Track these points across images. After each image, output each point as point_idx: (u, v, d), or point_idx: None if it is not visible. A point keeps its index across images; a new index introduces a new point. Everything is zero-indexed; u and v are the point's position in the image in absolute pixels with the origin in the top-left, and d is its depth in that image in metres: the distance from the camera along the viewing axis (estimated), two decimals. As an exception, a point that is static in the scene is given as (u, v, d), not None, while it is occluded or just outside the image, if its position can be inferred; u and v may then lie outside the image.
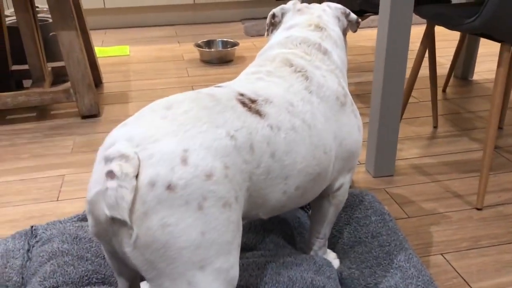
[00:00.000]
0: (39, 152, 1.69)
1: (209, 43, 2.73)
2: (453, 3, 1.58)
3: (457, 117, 1.92)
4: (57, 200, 1.42)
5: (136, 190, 0.66)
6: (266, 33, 1.12)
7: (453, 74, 2.33)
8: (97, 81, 2.28)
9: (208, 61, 2.61)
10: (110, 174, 0.65)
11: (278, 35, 1.05)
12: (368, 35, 3.05)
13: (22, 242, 1.10)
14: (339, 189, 1.00)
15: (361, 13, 1.70)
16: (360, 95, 2.14)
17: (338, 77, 0.99)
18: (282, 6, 1.10)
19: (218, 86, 0.86)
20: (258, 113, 0.81)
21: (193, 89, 2.23)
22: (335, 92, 0.96)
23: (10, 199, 1.42)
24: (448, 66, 2.48)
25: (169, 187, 0.66)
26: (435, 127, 1.84)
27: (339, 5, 1.10)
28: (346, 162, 0.98)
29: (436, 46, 2.81)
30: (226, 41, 2.73)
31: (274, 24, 1.10)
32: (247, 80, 0.90)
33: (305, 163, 0.85)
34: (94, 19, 3.30)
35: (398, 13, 1.31)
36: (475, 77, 2.33)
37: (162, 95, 2.17)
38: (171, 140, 0.69)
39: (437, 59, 2.61)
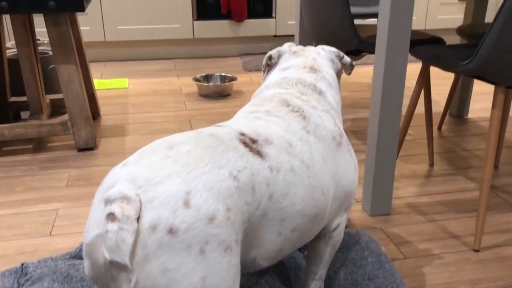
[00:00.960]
0: (33, 185, 1.68)
1: (207, 77, 2.76)
2: (448, 44, 1.61)
3: (453, 156, 1.92)
4: (50, 235, 1.40)
5: (137, 233, 0.65)
6: (262, 74, 1.14)
7: (448, 112, 2.36)
8: (95, 114, 2.29)
9: (206, 95, 2.64)
10: (111, 216, 0.64)
11: (274, 75, 1.07)
12: (365, 72, 3.09)
13: (12, 280, 1.08)
14: (336, 229, 0.99)
15: (358, 53, 1.73)
16: (356, 131, 2.16)
17: (333, 117, 1.00)
18: (279, 48, 1.13)
19: (219, 126, 0.87)
20: (259, 154, 0.81)
21: (190, 122, 2.24)
22: (332, 132, 0.96)
23: (2, 234, 1.40)
24: (443, 104, 2.51)
25: (171, 231, 0.65)
26: (431, 165, 1.84)
27: (333, 48, 1.13)
28: (343, 202, 0.98)
29: (432, 84, 2.85)
30: (224, 76, 2.76)
31: (270, 66, 1.13)
32: (246, 119, 0.91)
33: (303, 205, 0.85)
34: (95, 52, 3.34)
35: (394, 54, 1.34)
36: (470, 115, 2.35)
37: (159, 128, 2.17)
38: (173, 182, 0.68)
39: (433, 96, 2.64)
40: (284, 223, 0.83)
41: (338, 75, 1.13)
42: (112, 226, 0.63)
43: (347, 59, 1.13)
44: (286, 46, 1.13)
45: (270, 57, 1.13)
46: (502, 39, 1.20)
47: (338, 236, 1.01)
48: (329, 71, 1.07)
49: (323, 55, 1.10)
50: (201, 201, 0.68)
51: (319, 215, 0.89)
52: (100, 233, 0.66)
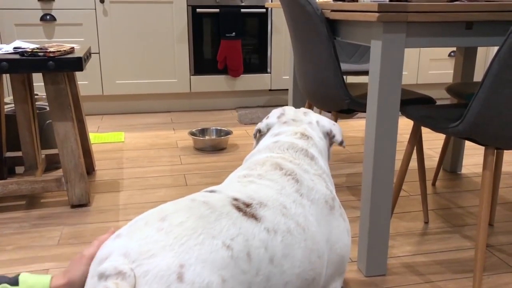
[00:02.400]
0: (24, 244, 1.65)
1: (203, 131, 2.79)
2: (438, 104, 1.65)
3: (447, 213, 1.92)
4: (38, 298, 1.36)
5: None
6: (254, 145, 1.16)
7: (442, 167, 2.37)
8: (90, 169, 2.29)
9: (202, 149, 2.65)
10: None
11: (266, 140, 1.09)
12: (358, 126, 3.13)
13: None
14: (331, 296, 0.98)
15: (350, 111, 1.77)
16: (350, 186, 2.16)
17: (325, 181, 1.01)
18: (267, 122, 1.15)
19: (212, 191, 0.87)
20: (253, 216, 0.80)
21: (185, 177, 2.24)
22: (324, 195, 0.97)
23: (-11, 296, 1.37)
24: (437, 158, 2.53)
25: None
26: (426, 222, 1.83)
27: (327, 124, 1.14)
28: (337, 267, 0.97)
29: (424, 138, 2.88)
30: (220, 129, 2.79)
31: (261, 137, 1.15)
32: (239, 184, 0.91)
33: (302, 268, 0.84)
34: (92, 105, 3.38)
35: (385, 113, 1.36)
36: (464, 170, 2.37)
37: (154, 183, 2.17)
38: (166, 255, 0.68)
39: (426, 151, 2.66)
40: (287, 287, 0.81)
41: (329, 147, 1.15)
42: None
43: (337, 138, 1.13)
44: (275, 117, 1.14)
45: (259, 131, 1.15)
46: (489, 102, 1.23)
47: (333, 302, 0.99)
48: (320, 141, 1.09)
49: (315, 127, 1.12)
50: (195, 275, 0.67)
51: (316, 279, 0.88)
52: None
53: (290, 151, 1.03)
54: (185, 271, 0.67)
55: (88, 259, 0.81)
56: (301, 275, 0.83)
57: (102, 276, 0.65)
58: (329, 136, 1.13)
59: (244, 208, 0.81)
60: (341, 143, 1.13)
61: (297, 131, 1.08)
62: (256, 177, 0.94)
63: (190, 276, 0.67)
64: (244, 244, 0.76)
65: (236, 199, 0.83)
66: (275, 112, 1.17)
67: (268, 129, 1.14)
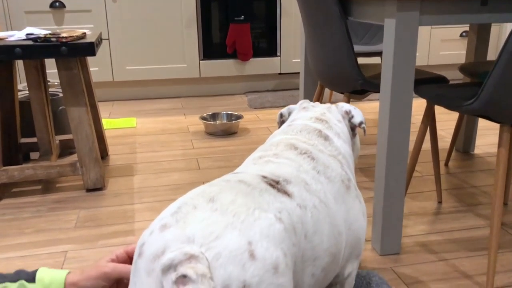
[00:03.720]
0: (42, 227, 1.68)
1: (214, 116, 2.80)
2: (451, 83, 1.64)
3: (461, 192, 1.92)
4: (58, 279, 1.39)
5: None
6: (278, 127, 1.17)
7: (454, 147, 2.36)
8: (104, 154, 2.31)
9: (213, 133, 2.66)
10: (182, 280, 0.58)
11: (282, 126, 1.10)
12: (370, 108, 3.12)
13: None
14: (348, 278, 0.98)
15: (363, 92, 1.76)
16: (363, 168, 2.16)
17: (341, 163, 1.00)
18: (289, 106, 1.16)
19: (235, 173, 0.86)
20: (286, 193, 0.79)
21: (198, 161, 2.26)
22: (340, 174, 0.97)
23: (11, 277, 1.40)
24: (449, 139, 2.52)
25: None
26: (440, 202, 1.83)
27: (346, 106, 1.13)
28: (354, 248, 0.97)
29: (437, 119, 2.87)
30: (231, 114, 2.80)
31: (283, 122, 1.16)
32: (257, 165, 0.91)
33: (329, 243, 0.83)
34: (103, 92, 3.40)
35: (399, 93, 1.36)
36: (477, 150, 2.36)
37: (167, 168, 2.19)
38: (232, 234, 0.64)
39: (438, 132, 2.65)
40: (316, 262, 0.80)
41: (353, 133, 1.11)
42: None
43: (356, 119, 1.10)
44: (298, 104, 1.17)
45: (281, 115, 1.16)
46: (505, 79, 1.22)
47: (349, 284, 0.99)
48: (337, 124, 1.07)
49: (334, 110, 1.11)
50: (264, 250, 0.65)
51: (337, 256, 0.88)
52: None
53: (303, 132, 1.02)
54: (255, 248, 0.64)
55: (102, 274, 0.79)
56: (328, 250, 0.83)
57: (170, 267, 0.59)
58: (348, 117, 1.11)
59: (276, 185, 0.80)
60: (359, 124, 1.10)
61: (312, 116, 1.08)
62: (272, 156, 0.94)
63: (260, 252, 0.64)
64: (289, 217, 0.74)
65: (264, 177, 0.82)
66: (300, 101, 1.19)
67: (290, 114, 1.15)
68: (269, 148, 0.98)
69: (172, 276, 0.59)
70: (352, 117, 1.11)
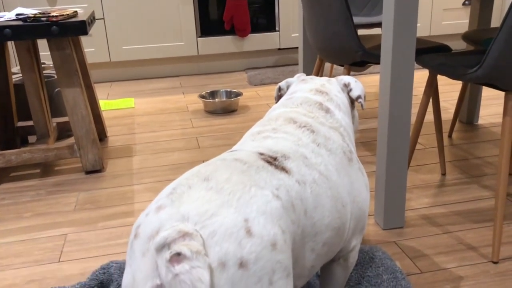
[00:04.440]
0: (41, 210, 1.67)
1: (213, 94, 2.75)
2: (454, 52, 1.59)
3: (465, 164, 1.88)
4: (59, 262, 1.38)
5: None
6: (275, 103, 1.15)
7: (458, 118, 2.32)
8: (102, 135, 2.28)
9: (212, 112, 2.63)
10: (177, 258, 0.57)
11: (282, 99, 1.07)
12: (370, 81, 3.07)
13: (20, 311, 1.06)
14: (352, 251, 0.97)
15: (363, 64, 1.71)
16: (365, 142, 2.13)
17: (342, 135, 0.98)
18: (287, 79, 1.14)
19: (232, 151, 0.84)
20: (284, 169, 0.78)
21: (197, 140, 2.23)
22: (341, 146, 0.94)
23: (10, 261, 1.39)
24: (453, 110, 2.48)
25: (241, 264, 0.61)
26: (443, 174, 1.80)
27: (346, 78, 1.10)
28: (358, 221, 0.95)
29: (440, 91, 2.82)
30: (230, 91, 2.75)
31: (281, 96, 1.13)
32: (255, 141, 0.89)
33: (331, 217, 0.82)
34: (100, 72, 3.36)
35: (400, 64, 1.31)
36: (480, 121, 2.31)
37: (166, 147, 2.16)
38: (228, 212, 0.64)
39: (441, 103, 2.60)
40: (316, 238, 0.80)
41: (352, 105, 1.10)
42: (182, 267, 0.57)
43: (354, 92, 1.07)
44: (296, 76, 1.14)
45: (279, 88, 1.13)
46: (509, 45, 1.17)
47: (353, 258, 0.98)
48: (338, 95, 1.05)
49: (333, 81, 1.09)
50: (261, 227, 0.64)
51: (341, 229, 0.87)
52: (161, 283, 0.59)
53: (304, 105, 0.99)
54: (252, 225, 0.64)
55: None
56: (330, 224, 0.82)
57: (164, 245, 0.59)
58: (346, 89, 1.08)
59: (273, 162, 0.79)
60: (357, 98, 1.07)
61: (312, 88, 1.05)
62: (270, 131, 0.91)
63: (257, 229, 0.64)
64: (288, 194, 0.73)
65: (262, 154, 0.80)
66: (297, 74, 1.16)
67: (288, 87, 1.12)
68: (267, 123, 0.95)
69: (166, 254, 0.58)
70: (351, 90, 1.08)
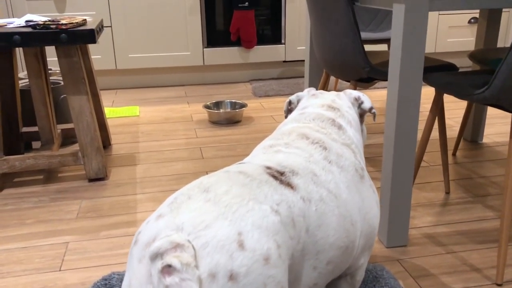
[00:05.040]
0: (44, 217, 1.66)
1: (217, 104, 2.76)
2: (461, 71, 1.59)
3: (469, 183, 1.88)
4: (60, 270, 1.37)
5: None
6: (285, 117, 1.15)
7: (462, 137, 2.32)
8: (106, 143, 2.28)
9: (217, 122, 2.63)
10: (168, 270, 0.59)
11: (293, 113, 1.07)
12: (377, 96, 3.07)
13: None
14: (359, 269, 0.96)
15: (369, 80, 1.72)
16: (370, 158, 2.12)
17: (354, 152, 0.98)
18: (298, 93, 1.15)
19: (241, 163, 0.85)
20: (289, 185, 0.78)
21: (201, 150, 2.23)
22: (353, 163, 0.94)
23: (11, 269, 1.38)
24: (457, 128, 2.48)
25: (231, 277, 0.61)
26: (447, 192, 1.80)
27: (354, 92, 1.11)
28: (368, 239, 0.95)
29: (445, 108, 2.81)
30: (235, 102, 2.76)
31: (290, 110, 1.14)
32: (265, 154, 0.89)
33: (336, 236, 0.82)
34: (106, 80, 3.37)
35: (407, 82, 1.32)
36: (485, 139, 2.31)
37: (170, 157, 2.16)
38: (222, 224, 0.65)
39: (446, 121, 2.60)
40: (319, 256, 0.80)
41: (361, 119, 1.11)
42: (172, 279, 0.58)
43: (366, 105, 1.09)
44: (306, 91, 1.14)
45: (290, 102, 1.14)
46: (518, 67, 1.17)
47: (360, 275, 0.97)
48: (349, 111, 1.06)
49: (343, 97, 1.10)
50: (254, 241, 0.65)
51: (349, 247, 0.86)
52: None
53: (317, 121, 1.00)
54: (245, 238, 0.65)
55: None
56: (335, 243, 0.81)
57: (157, 255, 0.60)
58: (358, 103, 1.09)
59: (279, 177, 0.79)
60: (370, 110, 1.09)
61: (324, 103, 1.05)
62: (282, 146, 0.92)
63: (250, 243, 0.65)
64: (289, 210, 0.74)
65: (269, 168, 0.81)
66: (306, 88, 1.16)
67: (298, 101, 1.13)
68: (280, 137, 0.96)
69: (158, 264, 0.60)
70: (362, 102, 1.09)
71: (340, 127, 0.99)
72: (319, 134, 0.94)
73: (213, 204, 0.68)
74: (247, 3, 3.26)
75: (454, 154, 2.14)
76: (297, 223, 0.74)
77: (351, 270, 0.95)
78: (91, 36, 1.74)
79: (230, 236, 0.64)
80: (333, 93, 1.12)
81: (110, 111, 2.82)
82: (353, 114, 1.06)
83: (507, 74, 1.19)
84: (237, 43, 3.37)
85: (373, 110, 1.09)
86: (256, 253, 0.64)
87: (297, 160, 0.85)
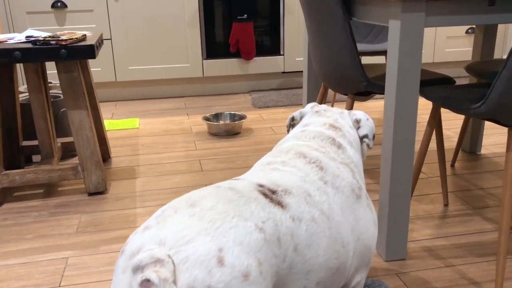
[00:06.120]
0: (43, 232, 1.67)
1: (217, 116, 2.77)
2: (458, 84, 1.60)
3: (468, 194, 1.88)
4: (59, 286, 1.37)
5: None
6: (287, 133, 1.16)
7: (461, 148, 2.33)
8: (106, 156, 2.29)
9: (216, 134, 2.64)
10: (146, 284, 0.61)
11: (295, 130, 1.08)
12: (374, 107, 3.09)
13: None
14: (356, 286, 0.96)
15: (367, 94, 1.73)
16: (368, 169, 2.13)
17: (353, 171, 0.99)
18: (301, 110, 1.16)
19: (235, 179, 0.86)
20: (280, 204, 0.79)
21: (200, 163, 2.24)
22: (350, 183, 0.95)
23: (11, 285, 1.38)
24: (456, 139, 2.48)
25: None
26: (446, 205, 1.80)
27: (358, 113, 1.12)
28: (363, 258, 0.95)
29: (443, 118, 2.83)
30: (234, 114, 2.77)
31: (293, 125, 1.15)
32: (262, 171, 0.90)
33: (326, 257, 0.83)
34: (106, 92, 3.38)
35: (404, 98, 1.33)
36: (483, 151, 2.32)
37: (169, 170, 2.17)
38: (204, 239, 0.66)
39: (444, 131, 2.61)
40: (309, 276, 0.80)
41: (361, 139, 1.12)
42: None
43: (361, 131, 1.09)
44: (309, 107, 1.15)
45: (292, 118, 1.15)
46: (513, 82, 1.18)
47: (357, 293, 0.98)
48: (350, 131, 1.07)
49: (346, 116, 1.11)
50: (234, 257, 0.66)
51: (340, 268, 0.87)
52: None
53: (317, 139, 1.01)
54: (225, 255, 0.66)
55: None
56: (325, 264, 0.82)
57: (138, 268, 0.63)
58: (357, 126, 1.11)
59: (270, 195, 0.80)
60: (363, 137, 1.09)
61: (326, 122, 1.06)
62: (279, 164, 0.93)
63: (230, 259, 0.66)
64: (275, 228, 0.75)
65: (261, 185, 0.82)
66: (310, 103, 1.17)
67: (301, 118, 1.14)
68: (278, 155, 0.97)
69: (138, 278, 0.62)
70: (359, 128, 1.10)
71: (340, 146, 1.00)
72: (317, 153, 0.95)
73: (197, 219, 0.69)
74: (246, 15, 3.28)
75: (452, 166, 2.15)
76: (283, 241, 0.75)
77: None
78: (91, 51, 1.76)
79: (210, 252, 0.65)
80: (337, 111, 1.13)
81: (110, 124, 2.83)
82: (354, 135, 1.07)
83: (502, 89, 1.21)
84: (237, 54, 3.39)
85: (365, 140, 1.09)
86: (235, 270, 0.65)
87: (292, 179, 0.86)
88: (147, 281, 0.61)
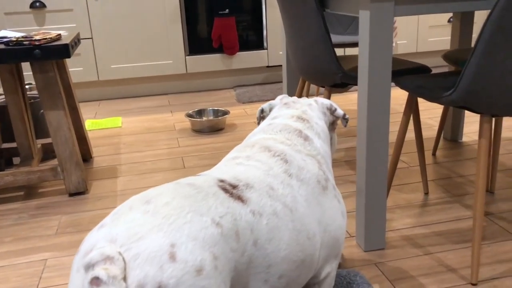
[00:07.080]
0: (23, 235, 1.66)
1: (200, 112, 2.76)
2: (433, 73, 1.61)
3: (448, 182, 1.89)
4: (37, 288, 1.37)
5: None
6: (257, 125, 1.16)
7: (442, 136, 2.34)
8: (87, 156, 2.28)
9: (200, 130, 2.63)
10: (96, 281, 0.61)
11: (263, 123, 1.08)
12: (351, 100, 3.09)
13: None
14: (326, 278, 0.96)
15: (344, 85, 1.73)
16: (349, 161, 2.14)
17: (319, 162, 0.99)
18: (270, 102, 1.16)
19: (198, 175, 0.86)
20: (240, 198, 0.79)
21: (183, 160, 2.23)
22: (316, 175, 0.95)
23: (-11, 289, 1.38)
24: (437, 127, 2.49)
25: None
26: (426, 193, 1.81)
27: (326, 101, 1.13)
28: (332, 249, 0.95)
29: (424, 107, 2.84)
30: (217, 110, 2.76)
31: (263, 118, 1.15)
32: (227, 166, 0.90)
33: (289, 250, 0.83)
34: (88, 91, 3.36)
35: (376, 88, 1.33)
36: (465, 138, 2.33)
37: (151, 168, 2.16)
38: (156, 236, 0.66)
39: (425, 120, 2.62)
40: (270, 270, 0.80)
41: (332, 128, 1.13)
42: None
43: (339, 112, 1.12)
44: (278, 99, 1.16)
45: (262, 110, 1.16)
46: (481, 70, 1.19)
47: (328, 285, 0.98)
48: (318, 123, 1.07)
49: (314, 107, 1.11)
50: (187, 253, 0.66)
51: (306, 261, 0.87)
52: None
53: (283, 132, 1.01)
54: (177, 250, 0.66)
55: None
56: (287, 257, 0.82)
57: (89, 266, 0.63)
58: (330, 111, 1.12)
59: (231, 190, 0.80)
60: (344, 116, 1.11)
61: (294, 114, 1.06)
62: (244, 158, 0.92)
63: (182, 254, 0.66)
64: (233, 222, 0.75)
65: (222, 181, 0.82)
66: (280, 95, 1.18)
67: (271, 109, 1.14)
68: (243, 149, 0.97)
69: (88, 276, 0.62)
70: (335, 110, 1.12)
71: (306, 138, 1.00)
72: (282, 146, 0.95)
73: (150, 215, 0.69)
74: (227, 10, 3.27)
75: (434, 154, 2.16)
76: (242, 236, 0.75)
77: (318, 279, 0.95)
78: (65, 51, 1.74)
79: (162, 247, 0.65)
80: (306, 102, 1.13)
81: (92, 123, 2.81)
82: (322, 126, 1.07)
83: (471, 76, 1.21)
84: (220, 50, 3.38)
85: (347, 116, 1.13)
86: (188, 265, 0.65)
87: (256, 174, 0.86)
88: (96, 278, 0.61)
